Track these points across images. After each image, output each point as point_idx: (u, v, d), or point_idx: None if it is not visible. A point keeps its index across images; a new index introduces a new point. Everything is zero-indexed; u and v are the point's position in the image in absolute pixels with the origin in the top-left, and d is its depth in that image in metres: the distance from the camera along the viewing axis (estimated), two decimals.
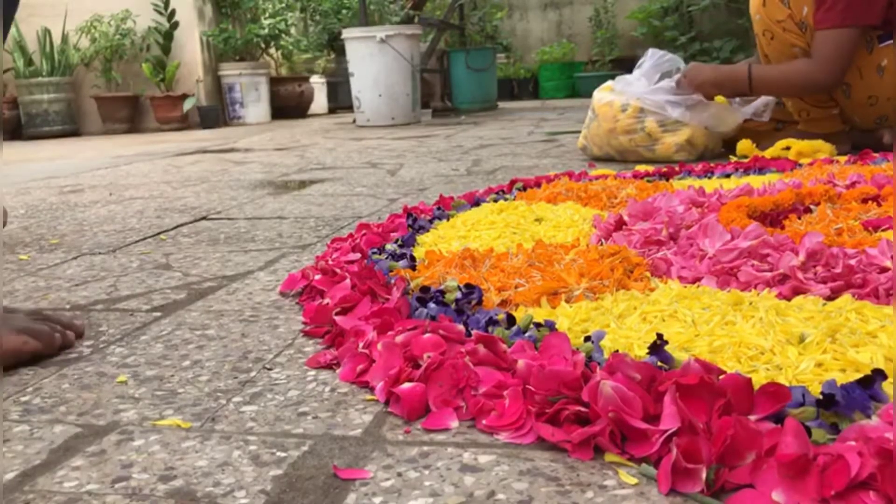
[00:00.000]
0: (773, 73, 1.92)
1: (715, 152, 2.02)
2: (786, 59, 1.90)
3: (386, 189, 1.79)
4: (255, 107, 5.25)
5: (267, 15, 5.71)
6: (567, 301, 0.75)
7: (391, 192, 1.74)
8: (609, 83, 2.13)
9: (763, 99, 2.01)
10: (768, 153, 1.83)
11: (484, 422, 0.54)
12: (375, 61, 4.14)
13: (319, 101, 5.97)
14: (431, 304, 0.74)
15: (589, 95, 2.21)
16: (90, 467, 0.52)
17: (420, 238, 1.09)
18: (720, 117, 1.97)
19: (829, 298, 0.71)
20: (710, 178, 1.54)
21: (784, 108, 2.05)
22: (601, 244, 0.95)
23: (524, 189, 1.44)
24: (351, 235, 1.10)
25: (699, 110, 1.95)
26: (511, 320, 0.68)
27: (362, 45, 4.16)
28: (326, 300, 0.81)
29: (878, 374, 0.50)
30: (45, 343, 0.75)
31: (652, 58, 2.07)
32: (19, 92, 4.86)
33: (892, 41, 1.80)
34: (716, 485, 0.44)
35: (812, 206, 1.07)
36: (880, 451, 0.41)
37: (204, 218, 1.51)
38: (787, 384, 0.52)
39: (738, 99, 2.03)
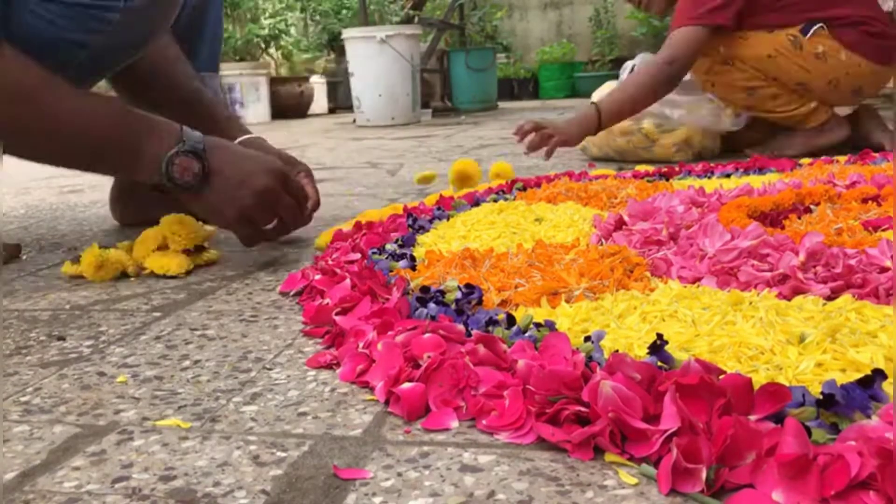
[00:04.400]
0: (617, 97, 1.84)
1: (714, 152, 2.02)
2: (736, 92, 1.92)
3: (386, 189, 1.79)
4: (255, 107, 5.25)
5: (267, 15, 5.71)
6: (567, 301, 0.75)
7: (391, 192, 1.74)
8: (610, 83, 2.14)
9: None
10: None
11: (484, 422, 0.54)
12: (375, 61, 4.14)
13: (319, 101, 5.97)
14: (431, 304, 0.74)
15: (589, 95, 2.21)
16: (90, 467, 0.52)
17: (420, 238, 1.09)
18: (719, 116, 1.97)
19: (829, 298, 0.71)
20: (710, 178, 1.54)
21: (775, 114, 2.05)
22: (601, 244, 0.95)
23: (524, 189, 1.44)
24: (351, 235, 1.10)
25: (697, 110, 1.95)
26: (511, 320, 0.68)
27: (362, 46, 4.16)
28: (326, 300, 0.81)
29: (878, 374, 0.50)
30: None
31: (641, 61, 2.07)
32: None
33: (815, 30, 1.82)
34: (716, 485, 0.44)
35: (812, 206, 1.07)
36: (880, 451, 0.41)
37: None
38: (787, 384, 0.51)
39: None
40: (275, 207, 1.04)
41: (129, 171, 1.01)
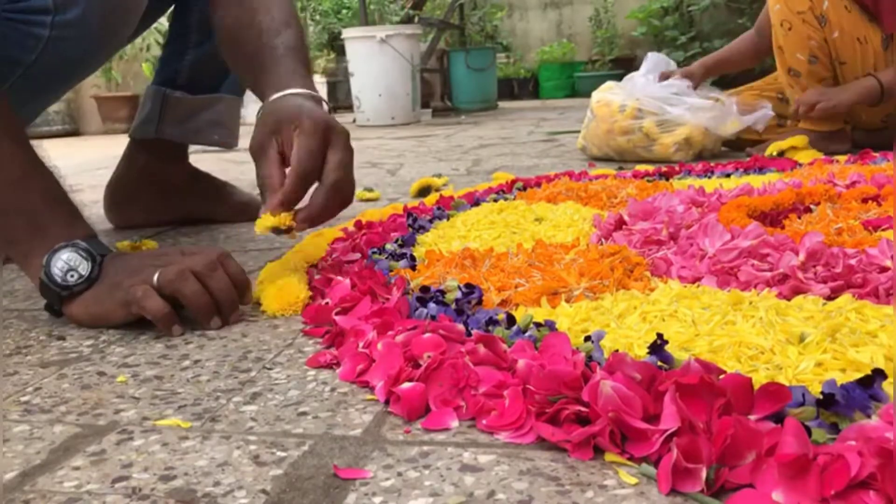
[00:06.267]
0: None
1: (714, 152, 2.02)
2: (800, 52, 1.89)
3: (386, 189, 1.79)
4: (256, 106, 5.24)
5: None
6: (567, 301, 0.75)
7: (391, 191, 1.74)
8: (610, 83, 2.14)
9: (762, 113, 2.00)
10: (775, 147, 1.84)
11: (484, 422, 0.54)
12: (375, 61, 4.14)
13: None
14: (431, 304, 0.74)
15: (589, 95, 2.22)
16: (90, 467, 0.52)
17: (420, 238, 1.09)
18: (722, 119, 1.97)
19: (829, 298, 0.71)
20: (710, 177, 1.54)
21: (787, 104, 2.05)
22: (601, 244, 0.95)
23: (524, 189, 1.44)
24: (351, 235, 1.10)
25: (701, 110, 1.95)
26: (511, 320, 0.68)
27: (362, 45, 4.16)
28: (326, 300, 0.81)
29: (878, 374, 0.50)
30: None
31: (650, 61, 2.08)
32: None
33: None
34: (716, 485, 0.44)
35: (812, 206, 1.07)
36: (880, 451, 0.41)
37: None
38: (787, 384, 0.51)
39: (735, 102, 2.01)
40: (179, 291, 0.79)
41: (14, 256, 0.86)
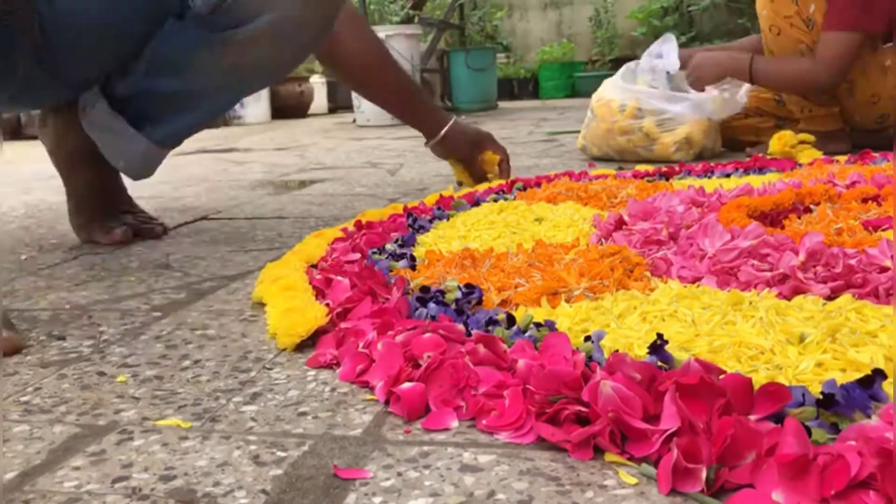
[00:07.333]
0: (773, 69, 1.93)
1: (714, 151, 2.02)
2: (791, 55, 1.90)
3: (386, 189, 1.79)
4: (255, 106, 5.24)
5: None
6: (567, 301, 0.75)
7: (391, 191, 1.74)
8: (610, 83, 2.13)
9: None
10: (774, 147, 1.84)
11: (484, 422, 0.54)
12: None
13: (319, 101, 5.97)
14: (431, 304, 0.74)
15: (589, 95, 2.21)
16: (90, 467, 0.52)
17: (420, 238, 1.09)
18: (722, 106, 1.97)
19: (829, 298, 0.71)
20: (710, 177, 1.54)
21: (785, 106, 2.05)
22: (601, 244, 0.95)
23: (524, 189, 1.44)
24: (351, 235, 1.10)
25: (701, 103, 1.95)
26: (511, 320, 0.68)
27: None
28: (326, 300, 0.81)
29: (878, 374, 0.50)
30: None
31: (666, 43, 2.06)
32: None
33: (893, 43, 1.81)
34: (716, 485, 0.44)
35: (812, 206, 1.07)
36: (880, 451, 0.41)
37: (204, 218, 1.51)
38: (787, 384, 0.51)
39: (728, 83, 2.01)
40: None
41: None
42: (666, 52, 2.05)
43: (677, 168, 1.64)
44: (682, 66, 2.01)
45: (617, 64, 6.00)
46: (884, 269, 0.75)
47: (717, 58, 2.00)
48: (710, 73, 1.96)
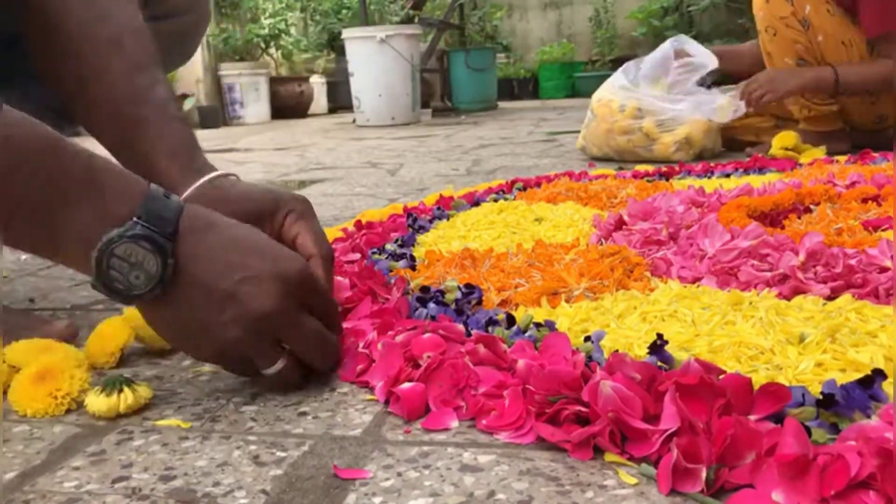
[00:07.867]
0: (855, 78, 1.85)
1: (714, 151, 2.02)
2: (788, 56, 1.89)
3: (386, 189, 1.79)
4: (255, 106, 5.25)
5: (267, 15, 5.71)
6: (567, 301, 0.75)
7: (391, 191, 1.74)
8: (610, 82, 2.13)
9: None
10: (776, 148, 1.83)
11: (484, 422, 0.54)
12: (375, 61, 4.14)
13: (319, 101, 5.97)
14: (431, 304, 0.74)
15: (589, 95, 2.21)
16: (90, 467, 0.52)
17: (420, 238, 1.09)
18: (723, 108, 1.97)
19: (829, 298, 0.71)
20: (710, 178, 1.54)
21: (783, 105, 2.05)
22: (601, 244, 0.95)
23: (524, 189, 1.44)
24: (351, 235, 1.10)
25: (701, 104, 1.95)
26: (511, 320, 0.68)
27: (362, 46, 4.16)
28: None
29: (878, 374, 0.50)
30: None
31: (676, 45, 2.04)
32: None
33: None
34: (716, 485, 0.44)
35: (812, 206, 1.07)
36: (880, 451, 0.41)
37: None
38: (787, 384, 0.52)
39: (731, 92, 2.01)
40: (285, 338, 0.61)
41: (47, 253, 0.58)
42: (694, 51, 2.04)
43: (677, 168, 1.64)
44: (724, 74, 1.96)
45: (617, 64, 6.00)
46: (884, 269, 0.75)
47: (798, 71, 1.89)
48: (790, 87, 1.87)
